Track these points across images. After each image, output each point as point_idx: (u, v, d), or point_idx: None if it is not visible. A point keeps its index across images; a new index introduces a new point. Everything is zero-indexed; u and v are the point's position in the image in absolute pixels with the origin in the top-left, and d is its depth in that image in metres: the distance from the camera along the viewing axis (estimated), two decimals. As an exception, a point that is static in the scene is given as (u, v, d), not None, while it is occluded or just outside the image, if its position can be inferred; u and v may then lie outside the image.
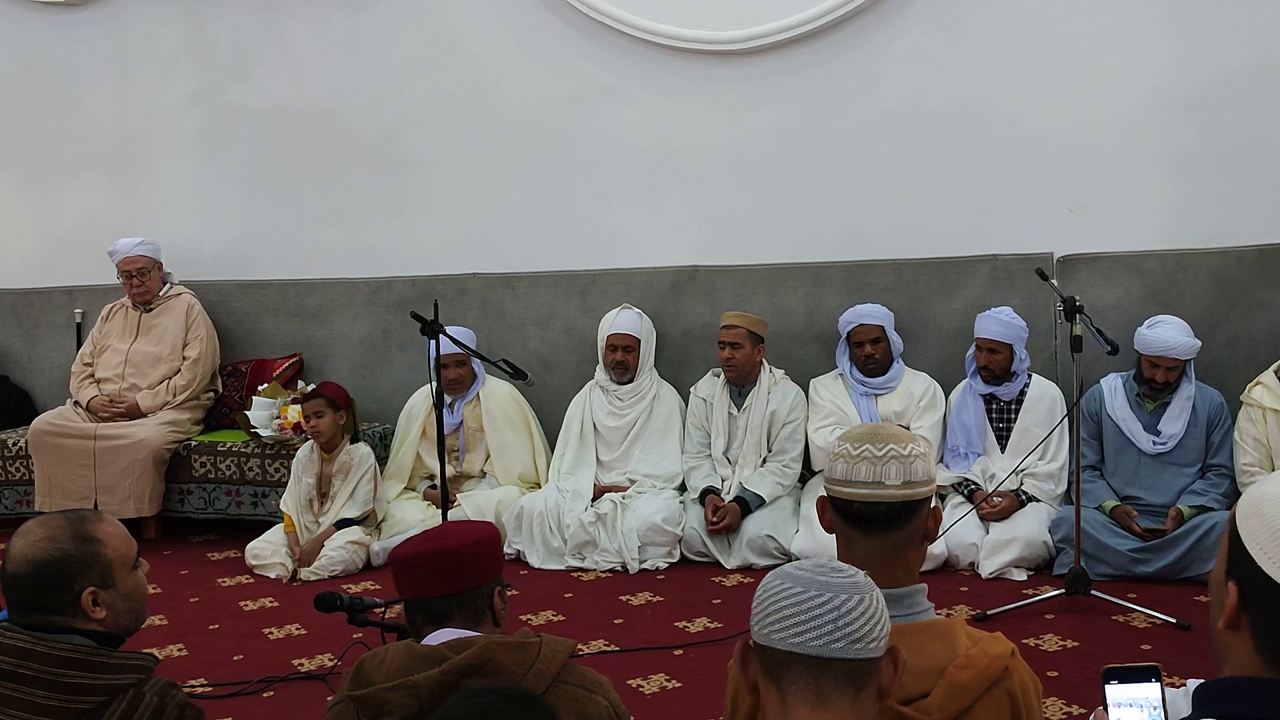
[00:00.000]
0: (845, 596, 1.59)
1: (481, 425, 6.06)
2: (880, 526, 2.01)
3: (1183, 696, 2.06)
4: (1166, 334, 5.08)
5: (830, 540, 2.11)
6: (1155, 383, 5.14)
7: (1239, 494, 5.02)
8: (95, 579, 2.21)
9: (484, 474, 6.09)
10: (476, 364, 6.05)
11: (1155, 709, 1.55)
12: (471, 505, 5.73)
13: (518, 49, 6.52)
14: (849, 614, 1.58)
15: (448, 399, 6.04)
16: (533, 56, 6.50)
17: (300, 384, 6.47)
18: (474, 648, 2.07)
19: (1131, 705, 1.56)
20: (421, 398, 6.16)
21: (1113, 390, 5.29)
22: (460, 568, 2.21)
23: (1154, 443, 5.16)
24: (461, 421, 6.06)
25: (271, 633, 4.82)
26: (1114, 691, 1.57)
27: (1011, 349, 5.37)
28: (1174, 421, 5.16)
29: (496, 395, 6.08)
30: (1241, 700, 1.36)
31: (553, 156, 6.50)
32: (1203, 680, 1.44)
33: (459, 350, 5.38)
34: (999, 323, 5.37)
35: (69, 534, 2.22)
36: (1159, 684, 1.57)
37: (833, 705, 1.57)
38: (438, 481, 5.01)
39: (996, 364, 5.39)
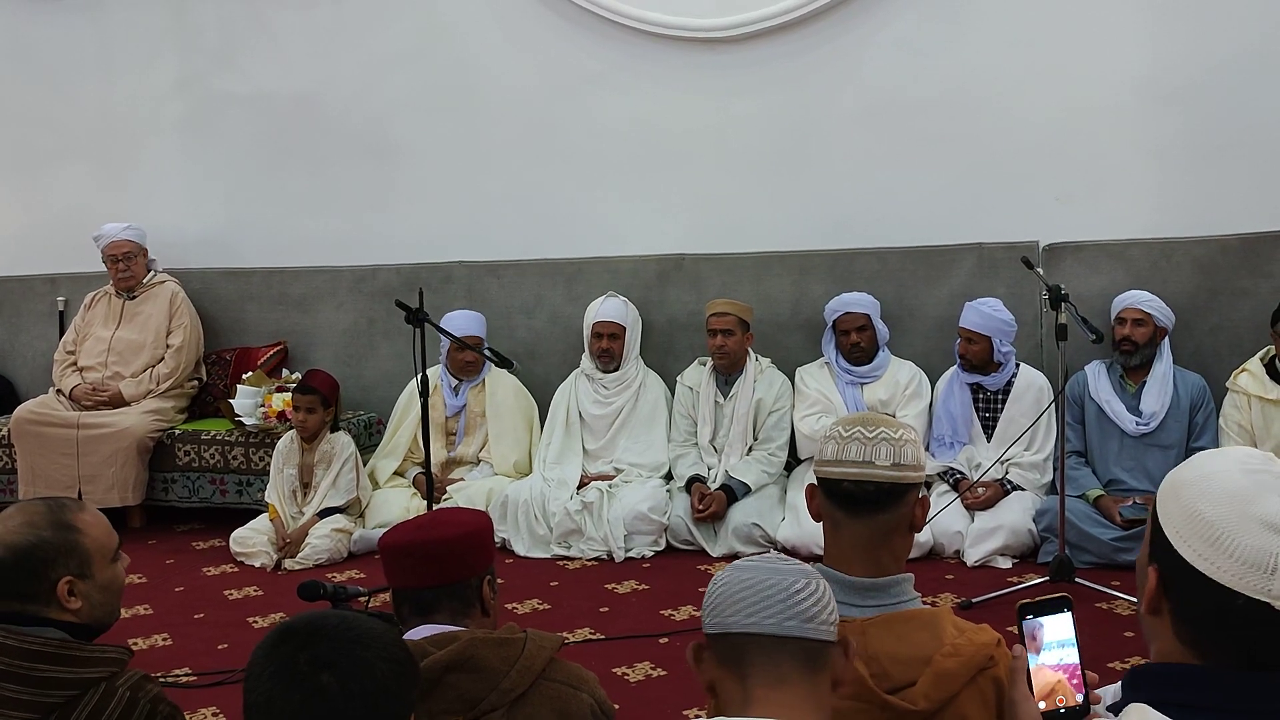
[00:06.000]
0: (793, 579, 1.65)
1: (484, 411, 6.05)
2: (868, 508, 2.02)
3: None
4: (1130, 292, 5.33)
5: (816, 530, 2.12)
6: (1129, 347, 5.19)
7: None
8: (73, 568, 2.17)
9: (479, 461, 6.08)
10: (488, 349, 6.01)
11: (1069, 639, 1.61)
12: (463, 498, 5.70)
13: (504, 36, 6.50)
14: (798, 594, 1.63)
15: (453, 382, 6.05)
16: (519, 44, 6.48)
17: (285, 372, 6.45)
18: (456, 643, 2.05)
19: (1051, 646, 1.61)
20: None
21: (1096, 374, 5.34)
22: (452, 558, 2.18)
23: (1136, 423, 5.20)
24: (465, 405, 6.06)
25: (256, 622, 4.80)
26: (1030, 627, 1.62)
27: (990, 341, 5.38)
28: (1152, 398, 5.21)
29: (504, 383, 6.07)
30: (1164, 685, 1.39)
31: (539, 144, 6.48)
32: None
33: (473, 334, 5.85)
34: (979, 314, 5.39)
35: (48, 521, 2.18)
36: (1071, 614, 1.62)
37: (790, 686, 1.60)
38: (429, 467, 5.03)
39: (974, 354, 5.40)
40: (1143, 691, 1.39)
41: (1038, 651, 1.62)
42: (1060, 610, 1.61)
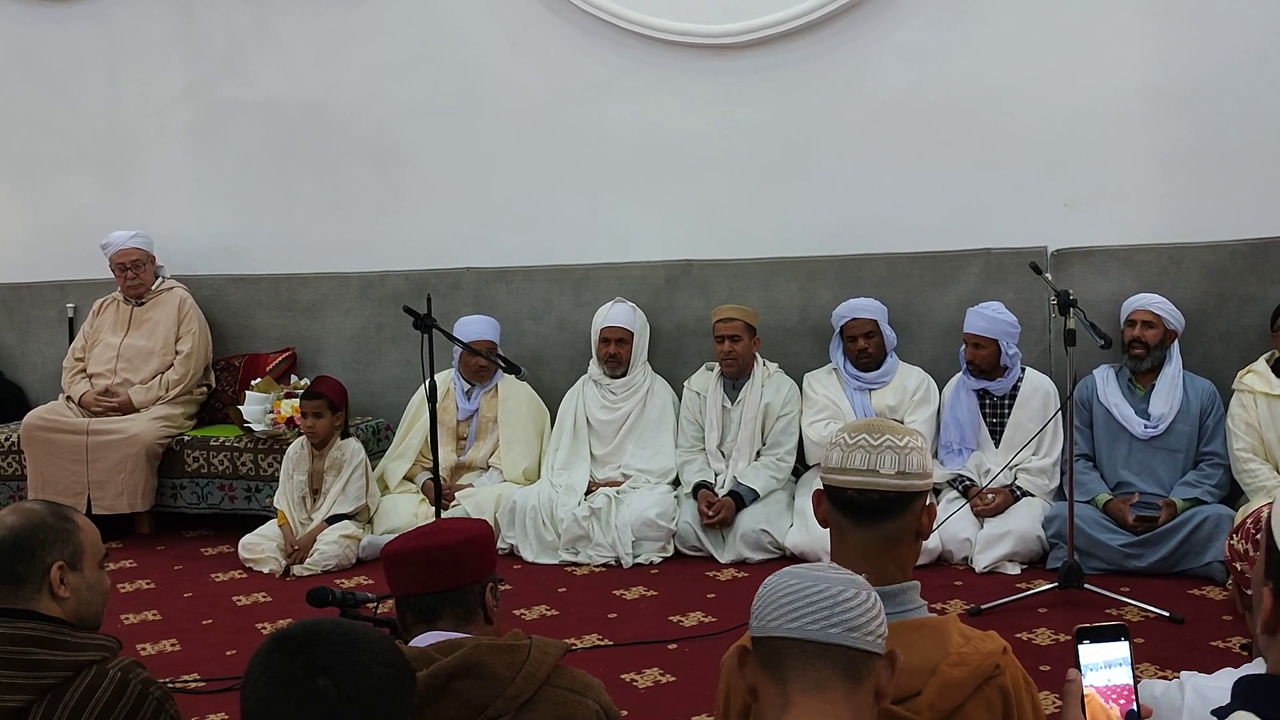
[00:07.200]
0: (842, 587, 1.63)
1: (496, 417, 6.05)
2: (873, 516, 2.00)
3: (1175, 689, 2.06)
4: (1140, 295, 5.33)
5: (825, 536, 2.11)
6: (1140, 349, 5.19)
7: (1233, 483, 5.08)
8: (66, 555, 2.28)
9: (488, 466, 6.08)
10: (498, 356, 5.98)
11: (1125, 665, 1.64)
12: (472, 504, 5.70)
13: (511, 43, 6.51)
14: (845, 602, 1.61)
15: (465, 386, 6.05)
16: (526, 50, 6.49)
17: (293, 378, 6.46)
18: (461, 650, 2.05)
19: (1106, 666, 1.64)
20: (440, 380, 5.98)
21: (1105, 378, 5.34)
22: (453, 564, 2.19)
23: (1145, 426, 5.19)
24: (477, 410, 6.06)
25: (264, 628, 4.80)
26: (1087, 651, 1.65)
27: (998, 344, 5.37)
28: (1162, 401, 5.20)
29: (516, 389, 6.06)
30: (1273, 699, 1.40)
31: (546, 150, 6.49)
32: (1200, 670, 1.48)
33: (487, 338, 5.90)
34: (984, 318, 5.37)
35: (47, 510, 2.34)
36: (1128, 642, 1.66)
37: (829, 693, 1.59)
38: (437, 474, 5.04)
39: (982, 359, 5.39)
40: (1251, 702, 1.41)
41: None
42: (1117, 638, 1.67)
